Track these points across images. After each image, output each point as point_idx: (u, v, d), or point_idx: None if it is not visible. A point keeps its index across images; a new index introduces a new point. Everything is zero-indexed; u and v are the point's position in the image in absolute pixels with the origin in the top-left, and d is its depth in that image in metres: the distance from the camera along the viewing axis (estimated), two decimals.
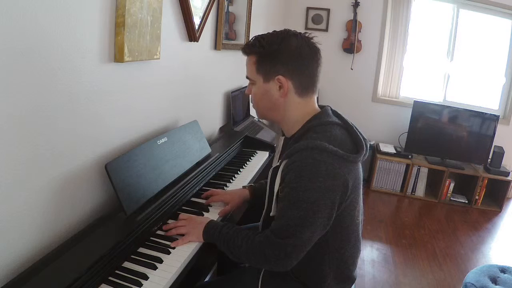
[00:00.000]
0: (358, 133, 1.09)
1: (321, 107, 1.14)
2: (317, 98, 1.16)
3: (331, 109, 1.15)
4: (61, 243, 1.01)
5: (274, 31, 1.10)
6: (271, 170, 1.14)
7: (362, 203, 1.13)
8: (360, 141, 1.07)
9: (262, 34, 1.10)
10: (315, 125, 1.06)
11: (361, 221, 1.16)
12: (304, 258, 1.02)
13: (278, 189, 1.04)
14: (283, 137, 1.23)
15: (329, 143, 0.98)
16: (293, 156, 1.00)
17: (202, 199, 1.40)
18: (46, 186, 1.00)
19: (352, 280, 1.17)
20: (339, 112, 1.15)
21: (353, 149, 1.04)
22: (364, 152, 1.05)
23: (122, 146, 1.31)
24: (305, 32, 1.10)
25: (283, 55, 1.05)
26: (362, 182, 1.10)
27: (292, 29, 1.10)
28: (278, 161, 1.10)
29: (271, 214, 1.08)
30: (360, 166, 1.08)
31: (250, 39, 1.12)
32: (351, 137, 1.08)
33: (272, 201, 1.08)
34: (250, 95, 1.16)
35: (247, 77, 1.14)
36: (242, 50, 1.12)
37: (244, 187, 1.45)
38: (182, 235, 1.14)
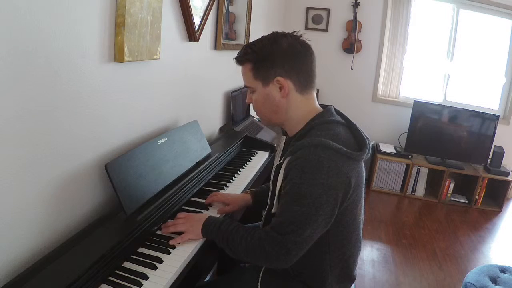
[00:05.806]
0: (361, 132, 1.10)
1: (324, 106, 1.15)
2: (317, 97, 1.16)
3: (334, 108, 1.15)
4: (61, 243, 1.01)
5: (263, 36, 1.11)
6: (273, 168, 1.14)
7: (363, 202, 1.14)
8: (363, 139, 1.07)
9: (252, 42, 1.11)
10: (318, 123, 1.06)
11: (362, 220, 1.16)
12: (305, 256, 1.02)
13: (281, 186, 1.04)
14: (285, 136, 1.23)
15: (333, 141, 0.98)
16: (296, 153, 1.00)
17: (207, 202, 1.38)
18: (46, 186, 1.00)
19: (352, 279, 1.18)
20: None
21: (356, 147, 1.05)
22: (367, 150, 1.05)
23: (122, 146, 1.31)
24: (293, 32, 1.11)
25: (277, 56, 1.06)
26: (364, 181, 1.10)
27: (280, 31, 1.11)
28: (281, 159, 1.09)
29: (273, 211, 1.08)
30: (363, 165, 1.08)
31: (240, 49, 1.13)
32: (354, 135, 1.09)
33: (274, 199, 1.08)
34: (251, 103, 1.16)
35: (245, 86, 1.14)
36: (236, 60, 1.13)
37: (246, 192, 1.44)
38: (181, 233, 1.14)
